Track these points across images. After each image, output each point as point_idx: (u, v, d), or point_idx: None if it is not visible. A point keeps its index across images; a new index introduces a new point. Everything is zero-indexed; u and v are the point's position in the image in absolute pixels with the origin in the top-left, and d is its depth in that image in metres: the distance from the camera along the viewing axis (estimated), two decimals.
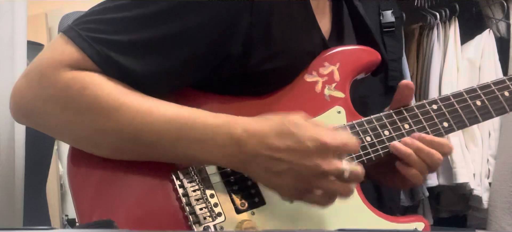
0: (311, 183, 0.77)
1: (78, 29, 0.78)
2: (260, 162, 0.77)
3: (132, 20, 0.79)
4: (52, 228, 0.57)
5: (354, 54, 0.98)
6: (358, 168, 0.78)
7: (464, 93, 0.97)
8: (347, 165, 0.77)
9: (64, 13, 1.45)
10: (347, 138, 0.79)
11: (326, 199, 0.79)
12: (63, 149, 2.42)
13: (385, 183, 1.02)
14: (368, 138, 0.91)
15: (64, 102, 0.78)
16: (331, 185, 0.77)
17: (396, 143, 0.90)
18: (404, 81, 0.94)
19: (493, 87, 0.98)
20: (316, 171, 0.76)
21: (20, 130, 1.34)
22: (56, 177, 2.39)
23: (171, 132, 0.78)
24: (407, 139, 0.90)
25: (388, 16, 2.23)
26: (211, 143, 0.78)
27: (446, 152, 0.91)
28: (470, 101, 0.96)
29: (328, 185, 0.77)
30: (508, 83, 0.99)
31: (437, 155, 0.89)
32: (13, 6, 1.36)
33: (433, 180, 2.24)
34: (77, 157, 0.84)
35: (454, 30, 2.32)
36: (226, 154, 0.78)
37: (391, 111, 0.94)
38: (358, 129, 0.91)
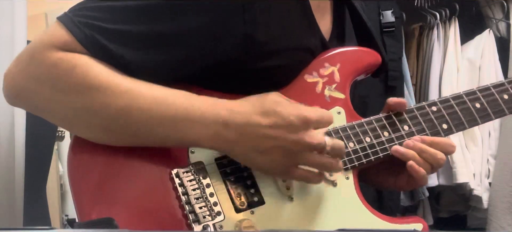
0: (297, 157, 0.80)
1: (71, 15, 0.80)
2: (246, 141, 0.79)
3: (126, 11, 0.80)
4: (52, 228, 0.57)
5: (355, 55, 0.99)
6: (340, 142, 0.83)
7: (463, 95, 0.97)
8: (329, 139, 0.81)
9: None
10: (323, 111, 0.84)
11: (313, 174, 0.83)
12: (63, 149, 2.42)
13: (387, 186, 1.02)
14: (368, 139, 0.91)
15: (53, 81, 0.79)
16: (317, 159, 0.81)
17: (397, 147, 0.91)
18: (396, 101, 0.94)
19: (493, 90, 0.99)
20: (301, 144, 0.79)
21: (20, 130, 1.34)
22: (56, 177, 2.39)
23: (159, 110, 0.79)
24: (409, 142, 0.91)
25: (388, 16, 2.22)
26: (199, 123, 0.79)
27: (449, 151, 0.93)
28: (469, 104, 0.97)
29: (314, 158, 0.81)
30: (507, 86, 1.00)
31: (440, 154, 0.91)
32: (13, 6, 1.36)
33: (433, 180, 2.24)
34: (77, 155, 0.84)
35: (454, 30, 2.32)
36: (213, 134, 0.79)
37: (390, 112, 0.95)
38: (357, 130, 0.92)
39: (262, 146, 0.79)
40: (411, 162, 0.90)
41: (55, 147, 2.00)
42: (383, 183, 1.01)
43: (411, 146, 0.90)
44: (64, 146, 2.27)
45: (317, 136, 0.80)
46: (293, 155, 0.80)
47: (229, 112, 0.80)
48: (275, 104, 0.81)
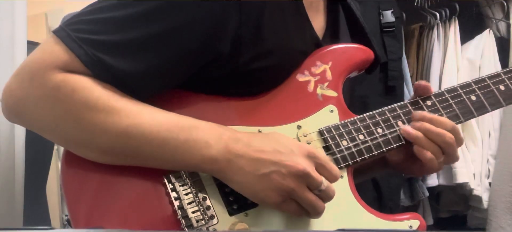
0: (293, 187, 0.79)
1: (68, 30, 0.79)
2: (246, 164, 0.79)
3: (121, 19, 0.80)
4: (52, 228, 0.57)
5: (347, 52, 0.98)
6: (333, 187, 0.82)
7: (458, 88, 0.97)
8: (326, 180, 0.81)
9: (64, 13, 1.45)
10: (331, 162, 0.83)
11: (300, 212, 0.82)
12: (63, 149, 2.41)
13: (405, 171, 1.02)
14: (361, 137, 0.91)
15: (54, 103, 0.79)
16: (309, 196, 0.80)
17: (406, 127, 0.92)
18: (422, 83, 0.96)
19: (489, 82, 0.97)
20: (300, 172, 0.79)
21: (20, 130, 1.35)
22: (56, 177, 2.38)
23: (161, 133, 0.79)
24: (415, 122, 0.92)
25: (388, 16, 2.22)
26: (201, 143, 0.79)
27: (452, 130, 0.91)
28: (464, 96, 0.96)
29: (307, 195, 0.80)
30: (503, 77, 0.98)
31: (448, 135, 0.90)
32: (13, 6, 1.37)
33: (433, 180, 2.24)
34: (70, 163, 0.84)
35: (454, 30, 2.32)
36: (214, 156, 0.79)
37: (384, 108, 0.94)
38: (350, 127, 0.91)
39: (262, 170, 0.79)
40: (415, 147, 0.91)
41: (55, 147, 2.00)
42: (401, 169, 1.01)
43: (417, 127, 0.91)
44: None
45: (315, 170, 0.80)
46: (290, 183, 0.79)
47: (232, 135, 0.81)
48: (279, 135, 0.83)
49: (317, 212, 0.82)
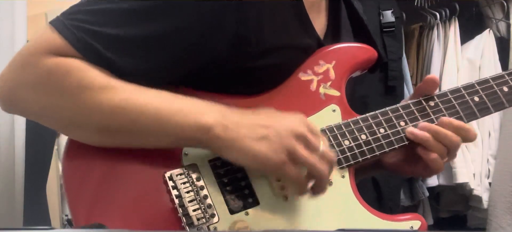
0: (294, 144, 0.78)
1: (64, 19, 0.80)
2: (243, 129, 0.79)
3: (118, 13, 0.80)
4: (52, 228, 0.57)
5: (350, 51, 0.98)
6: (332, 153, 0.81)
7: (461, 89, 0.96)
8: (323, 144, 0.80)
9: None
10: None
11: (302, 179, 0.80)
12: (63, 148, 2.41)
13: (405, 172, 1.01)
14: (363, 137, 0.91)
15: (48, 87, 0.79)
16: (310, 157, 0.79)
17: (412, 129, 0.91)
18: (431, 76, 0.96)
19: (492, 82, 0.97)
20: (298, 131, 0.78)
21: (20, 130, 1.35)
22: (56, 177, 2.39)
23: (156, 103, 0.79)
24: (423, 123, 0.91)
25: (388, 16, 2.22)
26: (195, 111, 0.79)
27: (464, 136, 0.91)
28: (468, 97, 0.96)
29: (308, 155, 0.79)
30: (507, 78, 0.98)
31: (455, 136, 0.90)
32: (13, 6, 1.37)
33: (433, 180, 2.24)
34: (72, 161, 0.84)
35: (454, 30, 2.32)
36: (209, 122, 0.79)
37: (387, 108, 0.94)
38: (353, 127, 0.91)
39: (260, 132, 0.78)
40: (419, 148, 0.90)
41: (55, 147, 2.00)
42: (400, 171, 1.00)
43: (426, 128, 0.90)
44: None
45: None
46: (290, 140, 0.78)
47: (227, 107, 0.81)
48: (271, 110, 0.84)
49: (321, 176, 0.80)
